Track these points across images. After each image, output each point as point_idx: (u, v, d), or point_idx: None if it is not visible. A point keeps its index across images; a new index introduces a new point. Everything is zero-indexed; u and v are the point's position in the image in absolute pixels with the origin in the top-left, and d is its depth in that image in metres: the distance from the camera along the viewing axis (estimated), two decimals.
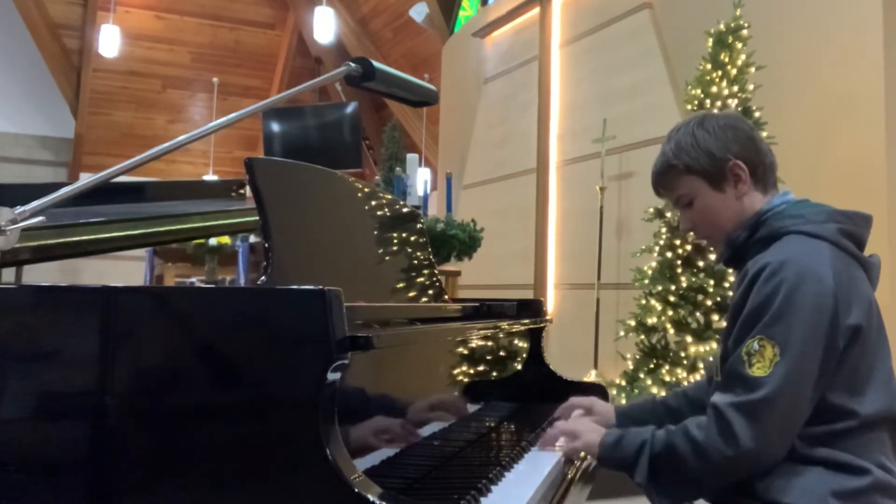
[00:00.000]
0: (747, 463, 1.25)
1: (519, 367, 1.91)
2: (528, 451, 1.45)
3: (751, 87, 3.93)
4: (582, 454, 1.51)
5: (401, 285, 1.71)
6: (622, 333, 4.08)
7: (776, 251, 1.32)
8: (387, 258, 1.70)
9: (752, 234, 1.39)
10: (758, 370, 1.23)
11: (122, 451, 0.93)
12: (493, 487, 1.16)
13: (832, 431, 1.27)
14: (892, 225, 3.73)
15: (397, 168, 4.87)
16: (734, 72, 3.91)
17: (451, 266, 4.58)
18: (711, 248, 1.53)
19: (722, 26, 3.98)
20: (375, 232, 1.69)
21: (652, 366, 3.90)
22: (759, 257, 1.33)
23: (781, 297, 1.24)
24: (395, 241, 1.77)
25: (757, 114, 3.89)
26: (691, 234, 1.53)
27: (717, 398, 1.27)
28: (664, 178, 1.49)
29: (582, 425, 1.49)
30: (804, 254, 1.29)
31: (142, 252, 5.70)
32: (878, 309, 1.35)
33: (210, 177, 9.95)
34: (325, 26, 7.91)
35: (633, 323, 4.02)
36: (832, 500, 1.23)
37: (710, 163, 1.42)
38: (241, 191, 2.40)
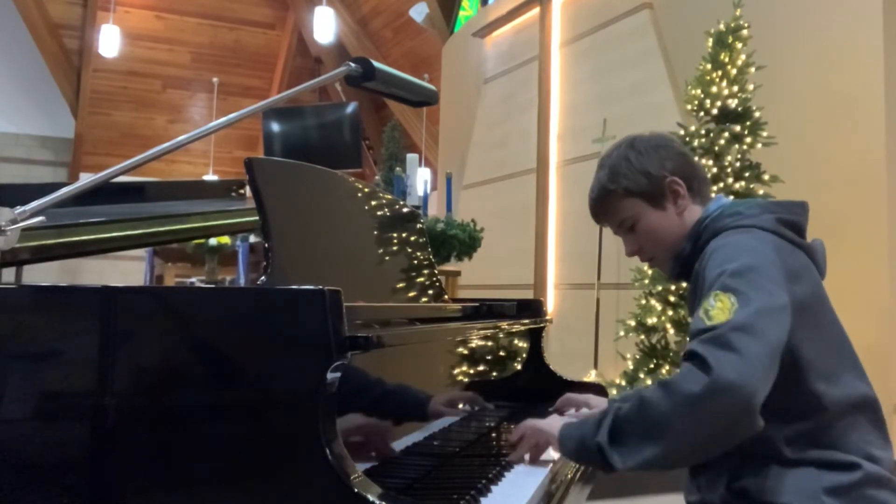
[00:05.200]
0: (725, 396, 1.11)
1: (519, 367, 1.91)
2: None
3: (751, 87, 3.93)
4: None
5: (401, 285, 1.71)
6: (622, 333, 4.08)
7: (717, 241, 1.33)
8: (387, 258, 1.70)
9: (696, 243, 1.41)
10: (717, 319, 1.16)
11: (121, 451, 0.93)
12: (493, 487, 1.16)
13: (814, 427, 1.27)
14: (893, 225, 3.74)
15: (397, 168, 4.87)
16: (734, 72, 3.91)
17: (451, 266, 4.58)
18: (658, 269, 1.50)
19: (722, 26, 3.98)
20: (375, 232, 1.69)
21: (652, 366, 3.90)
22: (703, 254, 1.34)
23: (730, 264, 1.23)
24: (395, 241, 1.77)
25: (757, 114, 3.89)
26: (636, 257, 1.52)
27: (685, 348, 1.20)
28: (604, 205, 1.49)
29: (544, 422, 1.38)
30: (746, 238, 1.31)
31: (142, 252, 5.71)
32: (825, 294, 1.36)
33: (210, 177, 9.95)
34: (325, 26, 7.91)
35: (633, 323, 4.02)
36: (825, 497, 1.23)
37: (647, 182, 1.43)
38: (241, 191, 2.40)
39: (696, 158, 1.49)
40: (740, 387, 1.10)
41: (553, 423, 1.33)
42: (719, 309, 1.17)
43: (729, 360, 1.11)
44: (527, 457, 1.36)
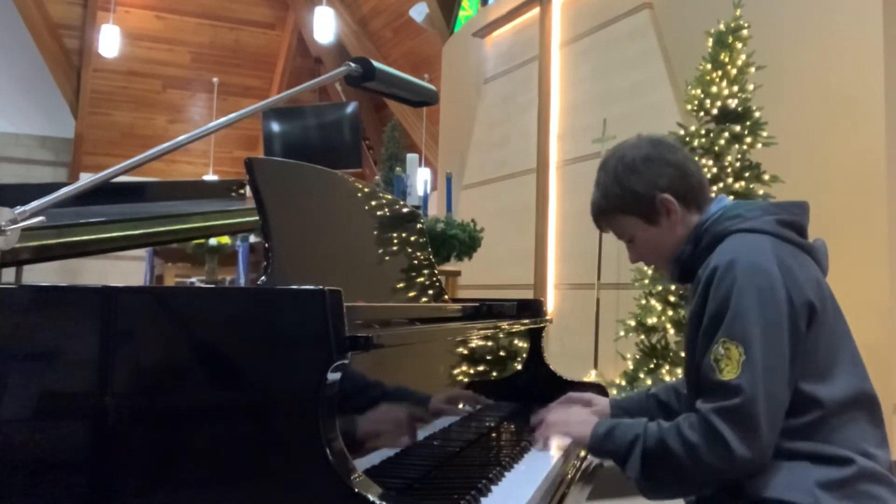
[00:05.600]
0: (744, 468, 1.25)
1: (519, 367, 1.91)
2: (528, 451, 1.46)
3: (751, 87, 3.93)
4: (581, 453, 1.51)
5: (401, 285, 1.71)
6: (622, 333, 4.08)
7: (721, 253, 1.35)
8: (387, 258, 1.70)
9: (697, 245, 1.43)
10: (728, 373, 1.24)
11: (121, 451, 0.93)
12: (493, 487, 1.16)
13: (810, 422, 1.28)
14: (893, 225, 3.74)
15: (397, 168, 4.87)
16: (734, 72, 3.92)
17: (451, 266, 4.58)
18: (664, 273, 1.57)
19: (722, 26, 3.98)
20: (375, 232, 1.69)
21: (652, 366, 3.90)
22: (707, 262, 1.35)
23: (734, 297, 1.27)
24: (395, 241, 1.77)
25: (757, 114, 3.89)
26: (641, 263, 1.59)
27: (701, 405, 1.27)
28: (601, 221, 1.54)
29: (572, 416, 1.53)
30: (747, 250, 1.32)
31: (142, 252, 5.70)
32: (830, 291, 1.37)
33: (210, 177, 9.94)
34: (325, 26, 7.92)
35: (633, 323, 4.02)
36: (818, 491, 1.24)
37: (638, 203, 1.45)
38: (241, 191, 2.40)
39: (696, 158, 1.49)
40: (754, 459, 1.23)
41: (584, 423, 1.43)
42: (728, 359, 1.25)
43: (748, 440, 1.22)
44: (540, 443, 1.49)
